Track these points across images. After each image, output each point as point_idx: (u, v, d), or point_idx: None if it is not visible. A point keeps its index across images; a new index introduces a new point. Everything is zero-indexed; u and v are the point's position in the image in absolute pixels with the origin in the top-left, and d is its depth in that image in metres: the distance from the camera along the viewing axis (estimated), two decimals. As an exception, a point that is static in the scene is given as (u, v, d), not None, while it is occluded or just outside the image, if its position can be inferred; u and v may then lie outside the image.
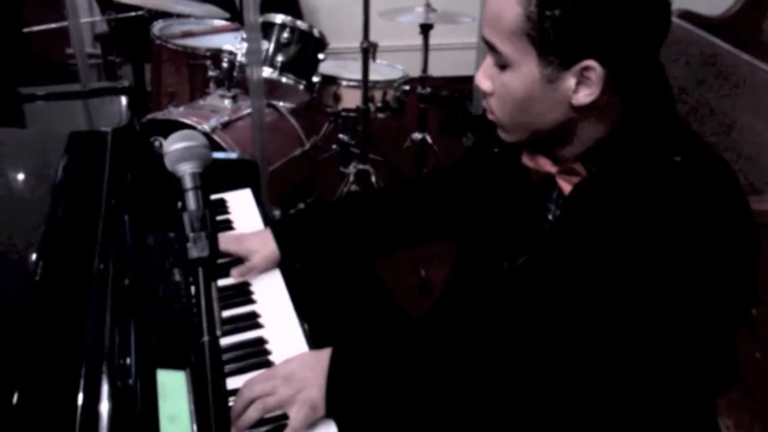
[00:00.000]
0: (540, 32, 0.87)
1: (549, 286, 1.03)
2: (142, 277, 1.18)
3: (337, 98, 2.82)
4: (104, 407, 0.82)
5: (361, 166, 2.86)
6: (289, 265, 1.50)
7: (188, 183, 0.81)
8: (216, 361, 0.68)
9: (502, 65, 0.94)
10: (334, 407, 1.04)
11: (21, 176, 1.18)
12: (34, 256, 0.97)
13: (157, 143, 2.55)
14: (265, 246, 1.36)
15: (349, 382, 1.05)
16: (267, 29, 2.58)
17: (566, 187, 1.01)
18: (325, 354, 1.08)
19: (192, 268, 0.74)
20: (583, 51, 0.87)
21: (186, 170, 0.81)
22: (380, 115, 2.95)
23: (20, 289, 0.93)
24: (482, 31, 0.96)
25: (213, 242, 0.76)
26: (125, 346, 0.98)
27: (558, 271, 1.01)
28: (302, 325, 1.24)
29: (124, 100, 1.56)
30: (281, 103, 2.72)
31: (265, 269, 1.36)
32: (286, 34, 2.59)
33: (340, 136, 2.99)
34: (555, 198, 1.05)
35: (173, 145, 0.83)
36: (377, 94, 2.83)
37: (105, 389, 0.85)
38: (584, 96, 0.91)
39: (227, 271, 1.36)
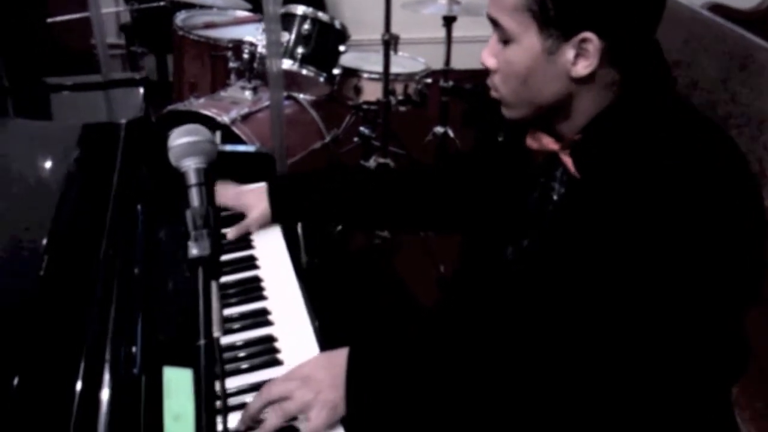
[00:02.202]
0: (540, 5, 0.92)
1: (554, 270, 1.03)
2: (153, 271, 1.17)
3: (358, 91, 2.79)
4: (105, 395, 0.82)
5: (381, 160, 2.83)
6: (298, 254, 1.50)
7: (192, 179, 0.79)
8: (211, 364, 0.65)
9: (506, 41, 0.98)
10: (354, 407, 1.02)
11: (33, 167, 1.18)
12: (41, 246, 0.96)
13: (177, 134, 2.55)
14: (260, 202, 1.40)
15: (369, 381, 1.04)
16: (288, 20, 2.56)
17: (570, 162, 1.02)
18: (340, 354, 1.06)
19: (192, 267, 0.72)
20: (580, 23, 0.91)
21: (190, 166, 0.80)
22: (402, 108, 2.92)
23: (27, 281, 0.92)
24: (487, 8, 1.00)
25: (215, 241, 0.74)
26: (131, 336, 0.97)
27: (563, 253, 1.02)
28: (313, 322, 1.21)
29: (141, 91, 1.55)
30: (301, 96, 2.70)
31: (261, 225, 1.41)
32: (307, 26, 2.57)
33: (361, 129, 2.96)
34: (559, 176, 1.07)
35: (177, 139, 0.81)
36: (398, 87, 2.79)
37: (107, 378, 0.84)
38: (582, 68, 0.94)
39: (237, 267, 1.35)
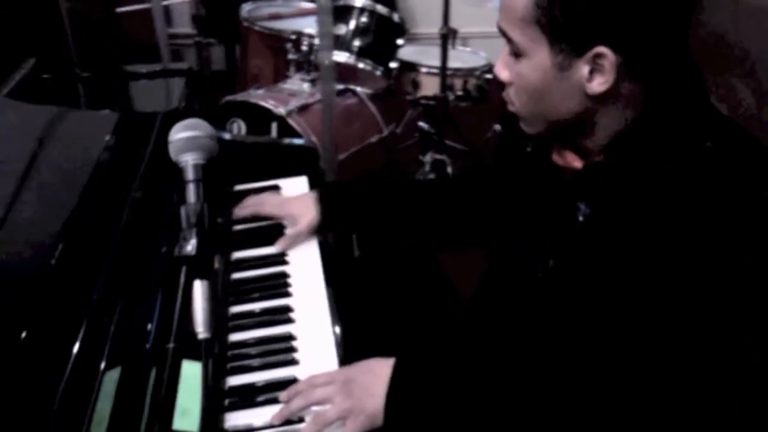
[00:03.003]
0: (549, 18, 0.85)
1: (577, 293, 0.97)
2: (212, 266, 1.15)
3: (416, 85, 2.75)
4: (102, 365, 0.81)
5: (437, 156, 2.78)
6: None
7: (190, 174, 0.78)
8: (175, 368, 0.64)
9: (517, 54, 0.91)
10: (392, 420, 1.00)
11: (63, 154, 1.19)
12: (58, 228, 0.96)
13: (235, 126, 2.58)
14: (308, 210, 1.36)
15: (410, 397, 1.02)
16: (346, 13, 2.54)
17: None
18: (386, 364, 1.04)
19: (176, 265, 0.70)
20: (593, 37, 0.84)
21: (188, 161, 0.78)
22: (462, 104, 2.86)
23: (40, 263, 0.93)
24: (497, 20, 0.93)
25: (204, 240, 0.72)
26: (146, 315, 0.95)
27: (585, 277, 0.96)
28: (334, 324, 1.18)
29: (182, 82, 1.56)
30: (359, 89, 2.68)
31: (310, 233, 1.36)
32: (364, 19, 2.55)
33: (420, 124, 2.92)
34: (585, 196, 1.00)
35: (177, 134, 0.80)
36: (457, 82, 2.74)
37: (107, 350, 0.83)
38: (598, 84, 0.87)
39: (266, 262, 1.33)
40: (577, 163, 0.99)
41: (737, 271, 0.83)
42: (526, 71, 0.91)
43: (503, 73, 0.95)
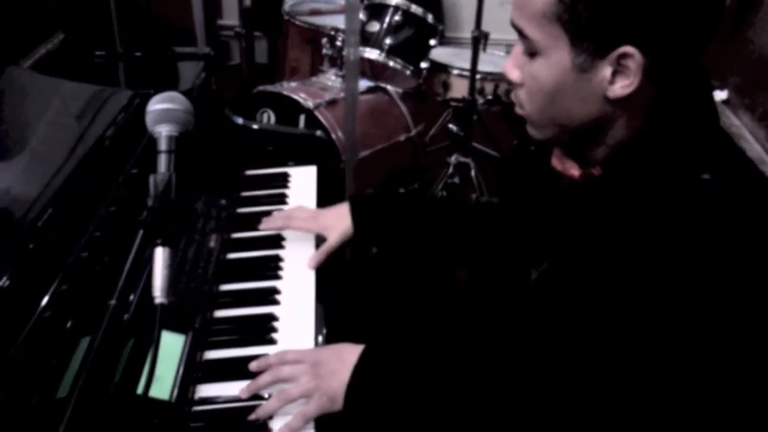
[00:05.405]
0: (572, 15, 0.80)
1: (560, 299, 0.95)
2: (179, 236, 1.19)
3: (446, 86, 2.75)
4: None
5: (462, 159, 2.78)
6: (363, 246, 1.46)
7: (163, 145, 0.81)
8: (111, 328, 0.66)
9: (532, 53, 0.86)
10: (350, 405, 1.02)
11: (67, 127, 1.23)
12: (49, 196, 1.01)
13: (265, 115, 2.62)
14: (341, 221, 1.34)
15: (370, 386, 1.03)
16: (380, 11, 2.56)
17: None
18: (357, 350, 1.06)
19: (137, 229, 0.73)
20: (620, 36, 0.79)
21: (161, 132, 0.81)
22: (494, 108, 2.85)
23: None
24: (511, 14, 0.88)
25: (166, 209, 0.75)
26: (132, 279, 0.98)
27: (574, 282, 0.93)
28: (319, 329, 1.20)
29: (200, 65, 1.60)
30: (390, 87, 2.70)
31: (341, 244, 1.34)
32: (398, 17, 2.56)
33: (450, 126, 2.93)
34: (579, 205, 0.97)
35: (154, 105, 0.83)
36: (488, 87, 2.73)
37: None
38: (621, 87, 0.82)
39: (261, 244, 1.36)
40: (574, 171, 0.95)
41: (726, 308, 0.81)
42: (541, 72, 0.86)
43: (514, 74, 0.90)
